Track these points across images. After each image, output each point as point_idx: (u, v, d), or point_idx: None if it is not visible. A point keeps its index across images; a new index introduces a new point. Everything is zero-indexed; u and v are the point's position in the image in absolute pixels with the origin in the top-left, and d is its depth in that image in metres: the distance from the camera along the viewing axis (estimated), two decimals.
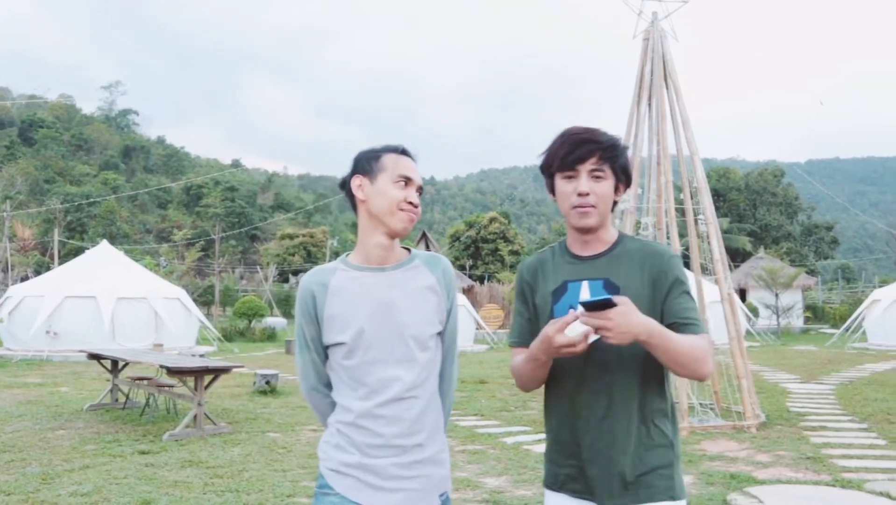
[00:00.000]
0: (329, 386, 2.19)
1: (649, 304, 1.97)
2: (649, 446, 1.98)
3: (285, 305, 41.13)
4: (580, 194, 2.00)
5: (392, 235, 2.11)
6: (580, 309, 1.84)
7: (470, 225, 52.03)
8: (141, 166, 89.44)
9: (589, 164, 2.00)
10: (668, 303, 1.99)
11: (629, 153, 2.10)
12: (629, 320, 1.79)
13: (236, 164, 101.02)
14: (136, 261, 24.87)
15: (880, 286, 32.23)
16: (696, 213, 9.30)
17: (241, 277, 50.39)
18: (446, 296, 2.19)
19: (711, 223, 9.06)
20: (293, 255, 55.77)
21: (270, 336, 26.40)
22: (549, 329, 1.89)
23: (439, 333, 2.17)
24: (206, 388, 8.13)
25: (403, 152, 2.14)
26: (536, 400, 10.93)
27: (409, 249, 2.22)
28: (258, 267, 49.47)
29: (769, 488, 5.51)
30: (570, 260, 2.10)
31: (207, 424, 8.02)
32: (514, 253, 50.89)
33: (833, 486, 5.68)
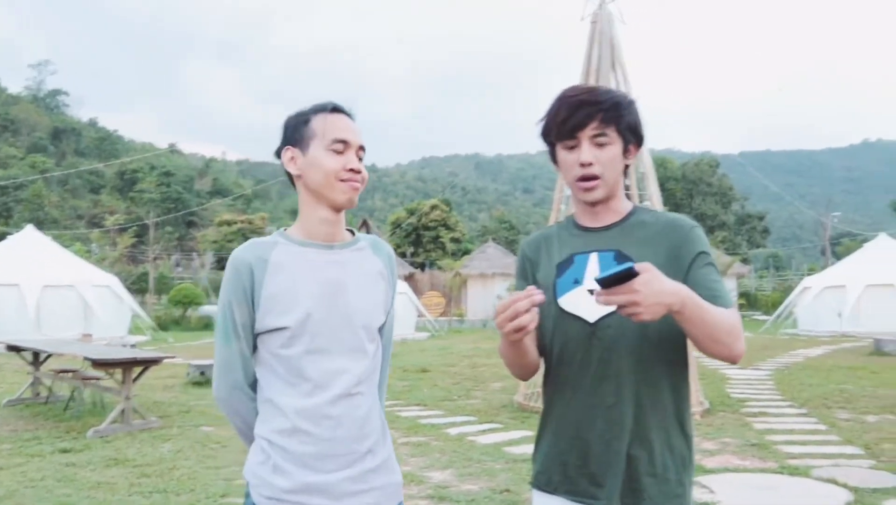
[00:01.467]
0: (254, 386, 1.85)
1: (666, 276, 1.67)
2: (660, 444, 1.70)
3: None
4: (583, 164, 1.74)
5: (337, 209, 1.83)
6: (597, 288, 1.49)
7: (411, 212, 51.73)
8: (72, 149, 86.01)
9: (590, 130, 1.73)
10: (691, 277, 1.69)
11: (631, 109, 1.79)
12: (659, 288, 1.47)
13: (172, 148, 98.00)
14: (66, 247, 23.80)
15: (808, 274, 33.28)
16: (642, 200, 9.23)
17: (177, 265, 48.98)
18: (391, 284, 1.95)
19: (658, 209, 9.01)
20: (231, 241, 54.53)
21: (207, 325, 25.69)
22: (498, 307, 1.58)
23: (381, 326, 1.92)
24: (135, 380, 7.69)
25: (335, 109, 1.84)
26: (480, 389, 10.79)
27: (351, 231, 1.94)
28: (195, 254, 48.23)
29: (718, 477, 5.44)
30: (577, 233, 1.84)
31: (136, 419, 7.59)
32: (456, 241, 50.83)
33: (780, 473, 5.65)
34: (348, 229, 1.93)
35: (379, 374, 1.93)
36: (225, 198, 71.10)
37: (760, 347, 17.53)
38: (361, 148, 1.84)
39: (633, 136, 1.79)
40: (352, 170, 1.80)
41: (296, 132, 1.84)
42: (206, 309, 27.98)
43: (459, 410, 8.80)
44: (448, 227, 50.84)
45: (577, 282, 1.77)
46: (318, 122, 1.81)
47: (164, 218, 52.59)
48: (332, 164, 1.79)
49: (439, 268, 36.31)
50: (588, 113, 1.73)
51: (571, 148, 1.77)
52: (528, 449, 6.56)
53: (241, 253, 1.82)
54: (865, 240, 30.93)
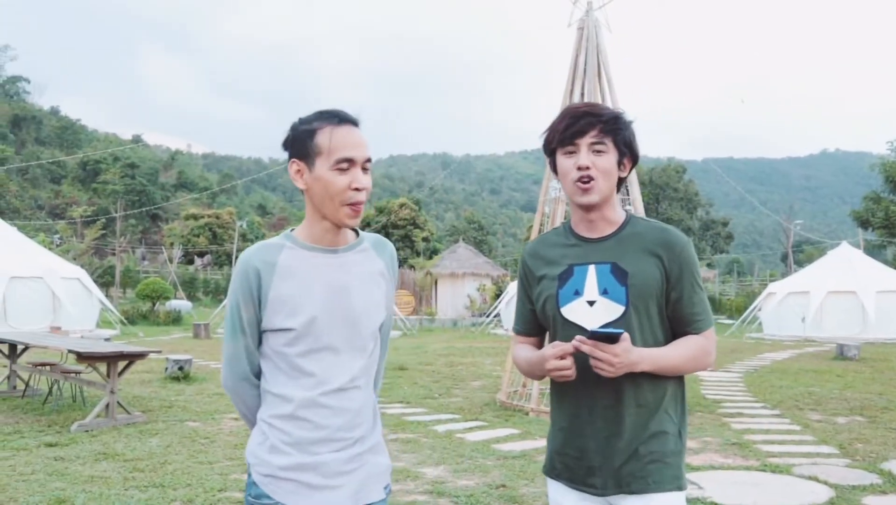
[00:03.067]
0: (259, 376, 1.96)
1: (658, 290, 1.92)
2: (657, 435, 1.91)
3: (190, 287, 39.70)
4: (580, 168, 1.90)
5: (339, 227, 1.91)
6: (584, 338, 1.82)
7: (380, 210, 51.63)
8: (32, 138, 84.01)
9: (589, 138, 1.91)
10: (677, 297, 1.93)
11: (629, 127, 1.96)
12: (628, 361, 1.80)
13: (137, 139, 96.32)
14: (30, 238, 23.32)
15: (770, 280, 34.07)
16: (624, 204, 9.41)
17: (143, 258, 48.27)
18: (392, 282, 2.05)
19: (640, 213, 9.21)
20: (198, 236, 53.90)
21: (175, 319, 25.41)
22: (547, 351, 1.89)
23: (381, 323, 2.03)
24: (120, 375, 7.62)
25: (341, 121, 1.84)
26: (459, 388, 10.88)
27: (356, 230, 2.01)
28: (161, 247, 47.53)
29: (705, 475, 5.61)
30: (575, 242, 2.00)
31: (120, 414, 7.53)
32: (426, 240, 50.87)
33: (764, 470, 5.84)
34: (353, 229, 1.99)
35: (376, 368, 2.05)
36: (191, 192, 70.15)
37: (729, 350, 17.90)
38: (367, 160, 1.85)
39: (628, 150, 1.96)
40: (358, 189, 1.82)
41: (302, 146, 1.84)
42: (175, 304, 27.65)
43: (442, 408, 8.88)
44: (417, 227, 50.86)
45: (578, 293, 1.94)
46: (323, 137, 1.81)
47: (131, 213, 51.72)
48: (337, 184, 1.81)
49: (410, 266, 36.31)
50: (589, 122, 1.90)
51: (571, 154, 1.92)
52: (516, 446, 6.72)
53: (249, 256, 1.91)
54: (826, 247, 31.74)
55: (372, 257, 1.98)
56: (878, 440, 7.09)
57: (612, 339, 1.76)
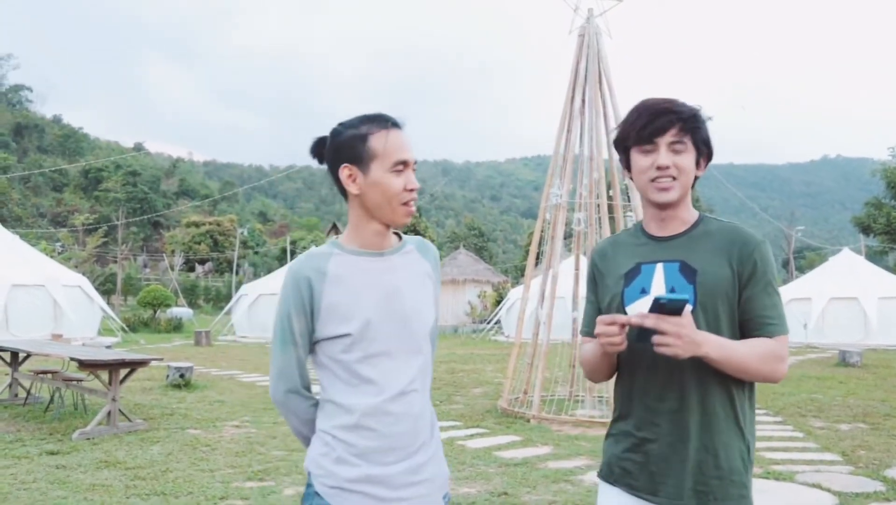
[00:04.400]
0: (309, 388, 1.96)
1: (728, 290, 1.81)
2: (721, 446, 1.80)
3: (191, 294, 39.68)
4: (660, 168, 1.84)
5: (391, 227, 1.93)
6: (649, 306, 1.70)
7: None
8: (34, 146, 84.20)
9: (669, 136, 1.83)
10: (748, 297, 1.82)
11: (705, 124, 1.92)
12: (696, 335, 1.70)
13: (139, 147, 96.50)
14: (31, 246, 23.35)
15: None
16: (625, 210, 9.41)
17: (145, 266, 48.29)
18: (437, 283, 2.05)
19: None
20: (199, 243, 53.96)
21: (177, 327, 25.41)
22: (599, 319, 1.78)
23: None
24: (122, 382, 7.62)
25: (393, 124, 1.88)
26: (460, 395, 10.87)
27: (398, 234, 2.02)
28: (163, 255, 47.57)
29: None
30: (644, 241, 1.95)
31: (122, 421, 7.52)
32: None
33: (767, 478, 5.82)
34: (395, 233, 2.01)
35: (430, 371, 2.03)
36: (192, 199, 70.26)
37: None
38: (415, 162, 1.91)
39: (705, 148, 1.90)
40: (411, 190, 1.88)
41: (354, 150, 1.86)
42: (176, 311, 27.66)
43: (444, 415, 8.87)
44: (418, 233, 50.91)
45: (644, 291, 1.87)
46: (377, 141, 1.85)
47: (133, 220, 51.80)
48: (395, 186, 1.85)
49: None
50: (669, 120, 1.83)
51: (648, 152, 1.86)
52: (518, 453, 6.70)
53: (299, 266, 1.91)
54: (827, 253, 31.72)
55: (417, 259, 1.99)
56: (882, 447, 7.07)
57: (678, 309, 1.65)
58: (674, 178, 1.85)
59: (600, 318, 1.77)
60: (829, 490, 5.43)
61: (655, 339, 1.69)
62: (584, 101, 9.36)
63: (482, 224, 76.75)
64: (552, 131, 9.63)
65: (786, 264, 47.64)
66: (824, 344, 20.66)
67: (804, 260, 49.87)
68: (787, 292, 24.04)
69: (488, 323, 27.81)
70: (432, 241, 52.72)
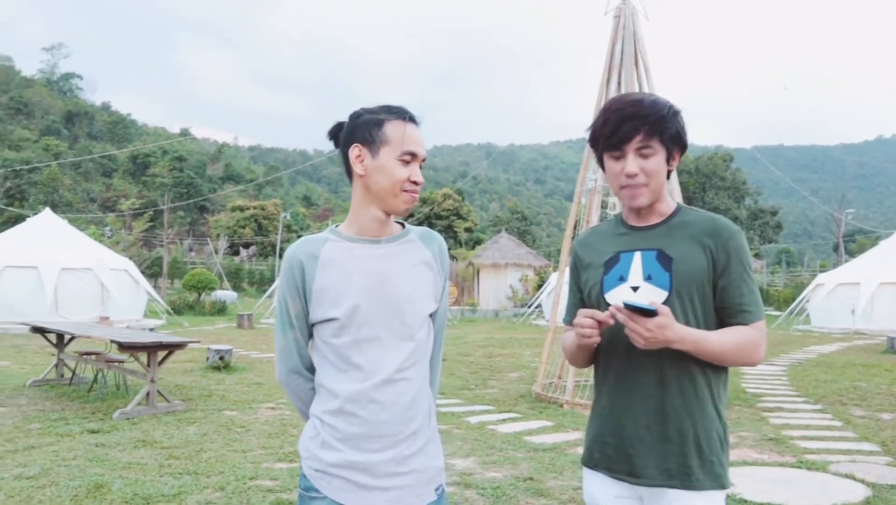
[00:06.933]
0: (311, 370, 2.00)
1: (704, 278, 1.85)
2: (700, 428, 1.84)
3: (235, 278, 40.39)
4: (628, 175, 1.87)
5: (390, 214, 1.96)
6: (621, 306, 1.76)
7: (423, 201, 51.81)
8: (84, 133, 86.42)
9: (635, 143, 1.85)
10: (724, 286, 1.87)
11: (675, 120, 1.93)
12: (664, 337, 1.74)
13: (185, 133, 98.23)
14: (81, 230, 24.02)
15: (821, 270, 33.21)
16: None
17: (190, 249, 49.27)
18: (441, 273, 2.04)
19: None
20: (244, 227, 54.83)
21: (221, 310, 25.90)
22: (579, 312, 1.84)
23: (432, 314, 2.01)
24: (160, 364, 7.82)
25: (410, 118, 1.92)
26: (496, 379, 10.89)
27: (402, 224, 2.04)
28: (207, 239, 48.46)
29: (738, 470, 5.51)
30: (624, 231, 1.99)
31: (160, 402, 7.72)
32: (468, 230, 50.89)
33: (799, 467, 5.72)
34: (398, 222, 2.03)
35: (429, 361, 2.02)
36: (237, 184, 71.30)
37: (774, 342, 17.55)
38: (424, 159, 1.95)
39: (676, 144, 1.91)
40: (415, 182, 1.91)
41: (368, 132, 1.90)
42: (220, 294, 28.19)
43: (478, 400, 8.90)
44: (461, 217, 50.97)
45: (623, 279, 1.92)
46: (393, 129, 1.89)
47: (179, 204, 52.83)
48: (399, 174, 1.89)
49: (453, 257, 36.39)
50: (634, 126, 1.85)
51: (617, 158, 1.89)
52: (548, 439, 6.70)
53: (293, 250, 1.96)
54: (880, 237, 30.80)
55: (418, 248, 2.00)
56: None
57: (648, 314, 1.72)
58: (644, 185, 1.87)
59: (581, 311, 1.84)
60: (862, 481, 5.30)
61: (627, 331, 1.77)
62: (619, 84, 9.22)
63: (525, 208, 76.32)
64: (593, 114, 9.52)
65: (836, 248, 46.41)
66: (872, 330, 20.11)
67: (854, 244, 48.50)
68: (834, 277, 23.45)
69: (529, 307, 27.72)
70: (475, 224, 52.80)
